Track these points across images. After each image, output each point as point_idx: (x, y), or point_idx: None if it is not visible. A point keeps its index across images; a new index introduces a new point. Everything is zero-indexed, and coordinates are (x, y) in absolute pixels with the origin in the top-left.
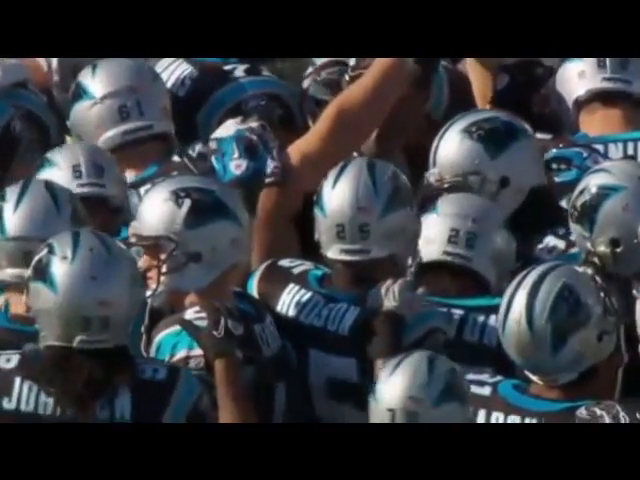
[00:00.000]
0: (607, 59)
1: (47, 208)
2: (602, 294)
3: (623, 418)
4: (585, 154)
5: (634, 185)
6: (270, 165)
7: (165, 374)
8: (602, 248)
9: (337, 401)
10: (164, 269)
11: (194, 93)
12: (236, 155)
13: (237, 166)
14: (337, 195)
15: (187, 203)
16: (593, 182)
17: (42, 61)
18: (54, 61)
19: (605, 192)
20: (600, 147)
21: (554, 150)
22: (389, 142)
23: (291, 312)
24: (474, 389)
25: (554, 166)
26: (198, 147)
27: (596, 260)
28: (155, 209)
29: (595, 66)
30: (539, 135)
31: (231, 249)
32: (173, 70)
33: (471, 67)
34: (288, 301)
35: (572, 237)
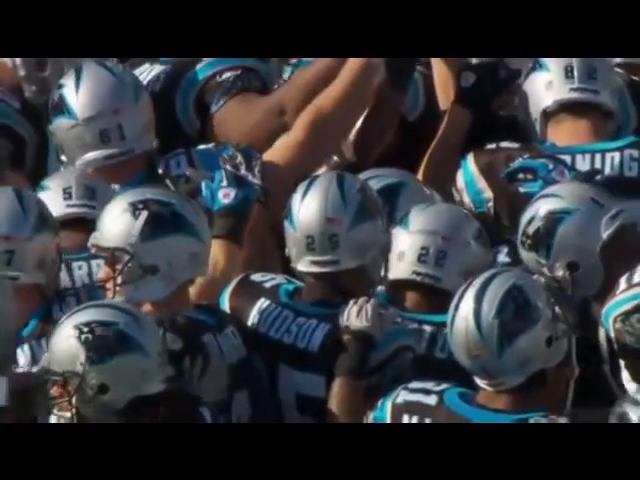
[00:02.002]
0: (575, 69)
1: (13, 211)
2: (552, 301)
3: None
4: (551, 166)
5: (586, 207)
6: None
7: None
8: (560, 273)
9: (306, 417)
10: (119, 280)
11: (170, 82)
12: (224, 184)
13: (225, 195)
14: (306, 207)
15: (144, 215)
16: (543, 208)
17: (7, 60)
18: (18, 60)
19: (558, 216)
20: (567, 158)
21: (520, 160)
22: (368, 146)
23: (261, 327)
24: (420, 398)
25: (521, 176)
26: (183, 166)
27: (554, 285)
28: (113, 220)
29: (563, 76)
30: (506, 144)
31: (189, 263)
32: (150, 70)
33: (435, 64)
34: (258, 316)
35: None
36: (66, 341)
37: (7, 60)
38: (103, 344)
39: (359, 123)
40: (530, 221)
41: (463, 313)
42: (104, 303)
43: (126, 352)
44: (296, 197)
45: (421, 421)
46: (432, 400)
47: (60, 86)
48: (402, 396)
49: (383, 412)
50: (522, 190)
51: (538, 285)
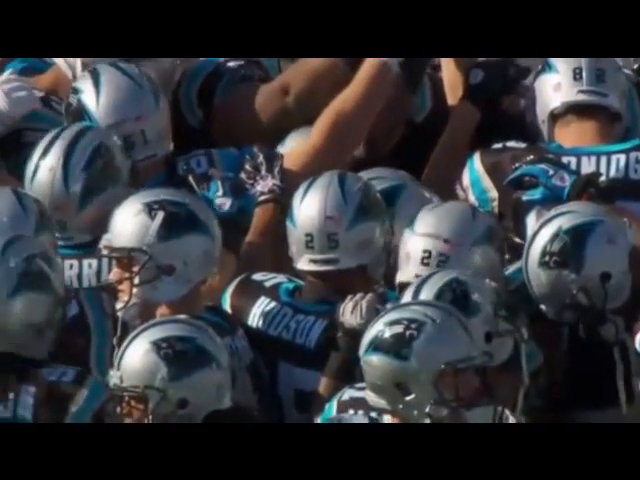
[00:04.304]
0: (583, 71)
1: (14, 211)
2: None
3: (506, 419)
4: (551, 171)
5: (607, 217)
6: (270, 183)
7: (72, 377)
8: (592, 284)
9: (305, 413)
10: (136, 281)
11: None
12: (220, 193)
13: (221, 204)
14: (306, 205)
15: (160, 215)
16: (565, 224)
17: (66, 69)
18: (78, 68)
19: (585, 228)
20: (573, 159)
21: (522, 167)
22: (379, 146)
23: (261, 324)
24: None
25: (526, 179)
26: (203, 166)
27: (584, 300)
28: (128, 221)
29: (571, 78)
30: (513, 143)
31: (203, 262)
32: None
33: (445, 61)
34: (258, 313)
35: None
36: (144, 357)
37: (66, 69)
38: (184, 359)
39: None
40: (552, 239)
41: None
42: (175, 319)
43: (205, 367)
44: (297, 195)
45: (366, 415)
46: None
47: (76, 91)
48: (348, 393)
49: (330, 411)
50: (525, 198)
51: (484, 284)
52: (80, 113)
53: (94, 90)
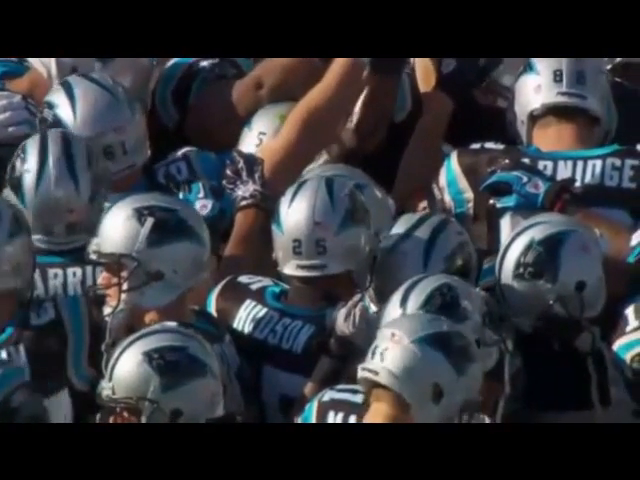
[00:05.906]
0: (564, 74)
1: None
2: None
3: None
4: (525, 179)
5: (579, 227)
6: (250, 188)
7: None
8: (568, 294)
9: (289, 419)
10: (125, 287)
11: None
12: (201, 195)
13: (202, 206)
14: (294, 211)
15: (150, 221)
16: (538, 235)
17: (43, 70)
18: (53, 68)
19: (558, 238)
20: (550, 164)
21: (498, 173)
22: (366, 134)
23: (246, 328)
24: (347, 396)
25: (501, 186)
26: (184, 173)
27: (561, 310)
28: (117, 226)
29: (551, 80)
30: (491, 145)
31: (192, 269)
32: None
33: None
34: (244, 317)
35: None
36: (136, 368)
37: (43, 71)
38: (176, 369)
39: (357, 111)
40: (526, 251)
41: (393, 302)
42: (166, 328)
43: (198, 376)
44: (284, 200)
45: (346, 418)
46: (359, 399)
47: (51, 105)
48: (329, 395)
49: (310, 411)
50: (498, 205)
51: (474, 292)
52: (57, 127)
53: (69, 103)
